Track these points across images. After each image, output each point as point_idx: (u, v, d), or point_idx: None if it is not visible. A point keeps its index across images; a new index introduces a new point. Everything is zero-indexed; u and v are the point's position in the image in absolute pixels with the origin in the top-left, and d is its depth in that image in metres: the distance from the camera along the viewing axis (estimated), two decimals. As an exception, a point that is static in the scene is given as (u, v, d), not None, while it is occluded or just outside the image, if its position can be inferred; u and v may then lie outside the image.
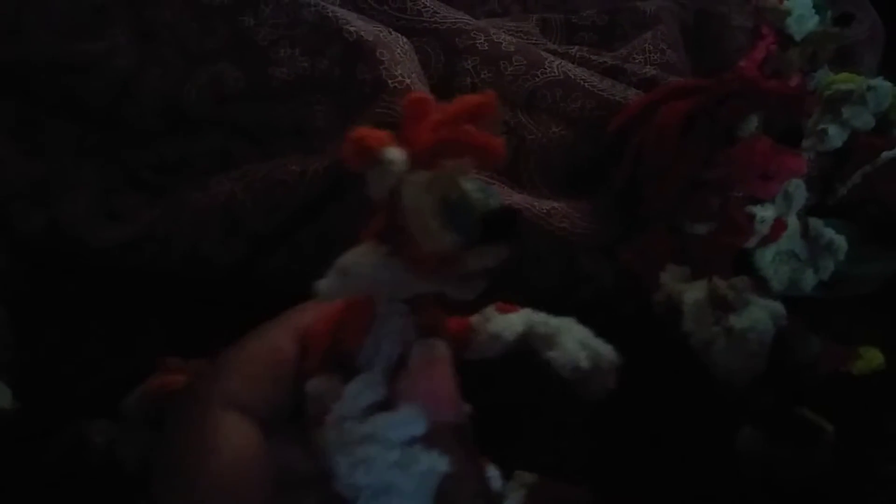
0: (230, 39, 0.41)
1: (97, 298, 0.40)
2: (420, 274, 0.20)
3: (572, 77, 0.44)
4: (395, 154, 0.19)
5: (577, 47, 0.50)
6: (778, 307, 0.34)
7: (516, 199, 0.40)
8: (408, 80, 0.39)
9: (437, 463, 0.21)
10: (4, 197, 0.38)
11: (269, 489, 0.21)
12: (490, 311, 0.26)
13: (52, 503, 0.35)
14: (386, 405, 0.21)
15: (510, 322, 0.26)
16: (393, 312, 0.22)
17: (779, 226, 0.38)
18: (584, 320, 0.26)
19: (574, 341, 0.25)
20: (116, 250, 0.38)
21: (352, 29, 0.40)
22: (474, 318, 0.26)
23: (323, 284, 0.20)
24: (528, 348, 0.26)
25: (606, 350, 0.25)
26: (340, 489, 0.20)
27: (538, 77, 0.44)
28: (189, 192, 0.38)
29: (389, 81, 0.39)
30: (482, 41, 0.45)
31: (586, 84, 0.44)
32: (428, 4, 0.46)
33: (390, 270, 0.20)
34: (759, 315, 0.33)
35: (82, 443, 0.35)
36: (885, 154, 0.40)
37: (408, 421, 0.21)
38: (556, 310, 0.28)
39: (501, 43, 0.45)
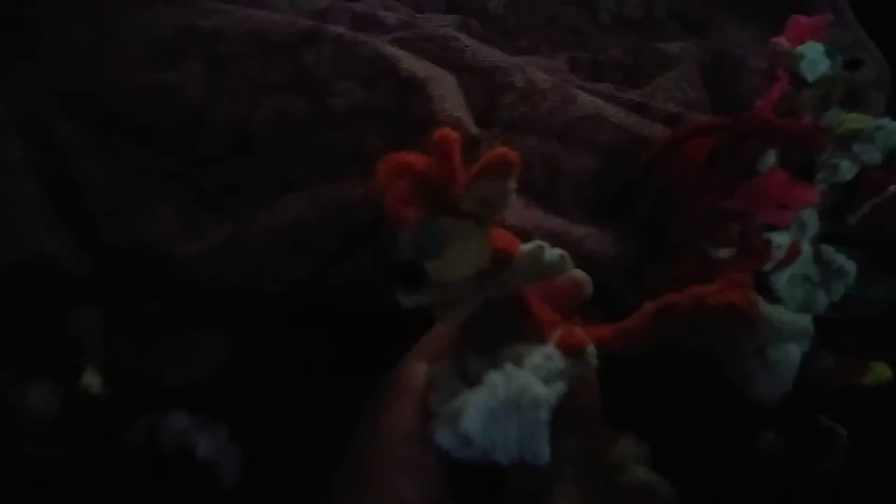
0: (292, 73, 0.45)
1: (168, 307, 0.43)
2: None
3: (602, 113, 0.48)
4: None
5: (604, 84, 0.54)
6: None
7: (553, 223, 0.44)
8: (457, 114, 0.43)
9: None
10: (92, 212, 0.42)
11: None
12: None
13: (127, 487, 0.38)
14: None
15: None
16: None
17: (794, 251, 0.42)
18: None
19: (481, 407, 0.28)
20: (192, 264, 0.41)
21: (404, 66, 0.44)
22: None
23: None
24: None
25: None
26: None
27: (571, 112, 0.48)
28: (257, 212, 0.42)
29: (439, 115, 0.43)
30: (519, 78, 0.49)
31: (614, 119, 0.48)
32: (468, 44, 0.50)
33: None
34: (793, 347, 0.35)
35: (156, 431, 0.39)
36: (892, 188, 0.44)
37: None
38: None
39: (537, 81, 0.49)
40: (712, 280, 0.42)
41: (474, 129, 0.44)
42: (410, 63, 0.45)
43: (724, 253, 0.42)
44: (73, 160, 0.43)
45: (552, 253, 0.33)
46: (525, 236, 0.41)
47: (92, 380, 0.36)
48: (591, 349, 0.31)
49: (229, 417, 0.41)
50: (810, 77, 0.46)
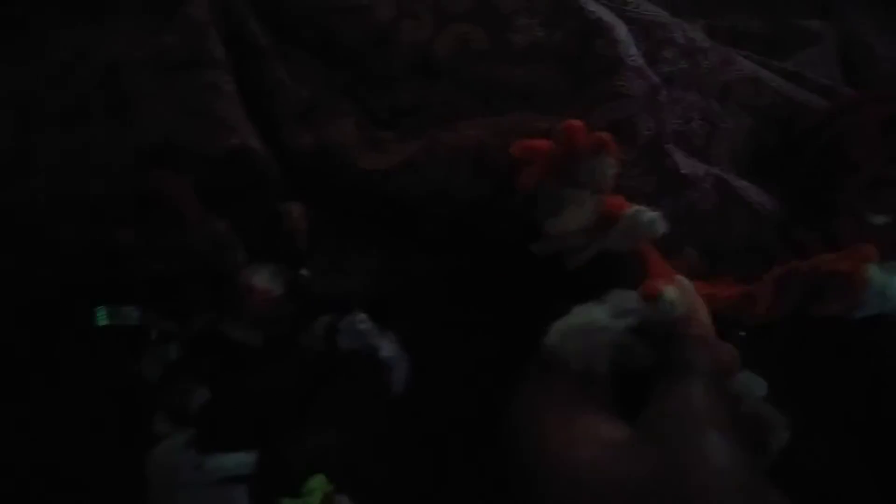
0: (477, 4, 0.46)
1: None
2: None
3: (761, 77, 0.50)
4: None
5: (747, 52, 0.55)
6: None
7: (714, 172, 0.45)
8: (640, 61, 0.44)
9: None
10: (280, 116, 0.43)
11: None
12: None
13: (306, 383, 0.40)
14: None
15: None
16: None
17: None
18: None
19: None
20: (377, 178, 0.43)
21: (591, 9, 0.46)
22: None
23: None
24: None
25: None
26: None
27: (731, 73, 0.50)
28: (442, 133, 0.43)
29: (626, 59, 0.44)
30: (679, 35, 0.50)
31: (774, 84, 0.50)
32: (630, -1, 0.51)
33: None
34: None
35: (334, 332, 0.40)
36: None
37: None
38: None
39: (696, 39, 0.51)
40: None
41: (655, 78, 0.45)
42: (595, 7, 0.46)
43: (880, 219, 0.44)
44: (266, 64, 0.44)
45: (648, 215, 0.38)
46: (695, 181, 0.44)
47: (306, 270, 0.38)
48: (667, 296, 0.36)
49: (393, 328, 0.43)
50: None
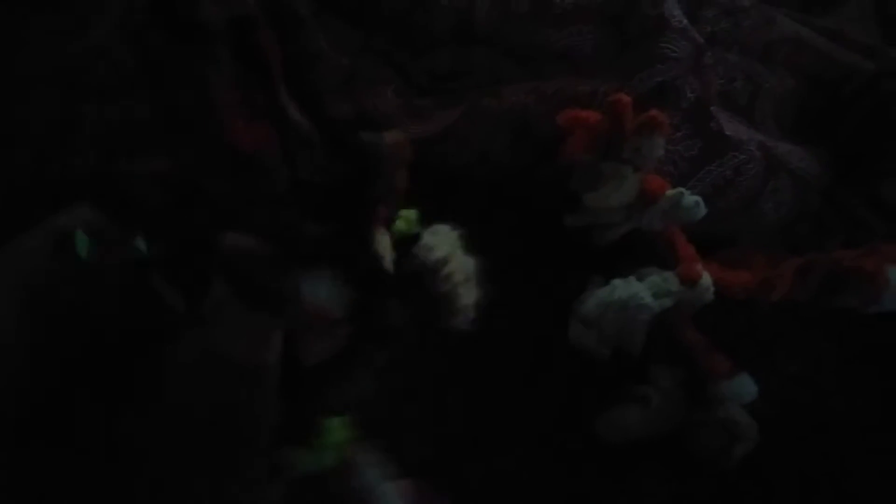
0: (516, -34, 0.45)
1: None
2: None
3: (803, 36, 0.49)
4: None
5: (786, 10, 0.54)
6: None
7: (758, 137, 0.45)
8: (685, 22, 0.44)
9: None
10: (321, 85, 0.42)
11: None
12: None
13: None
14: None
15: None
16: None
17: None
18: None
19: None
20: (420, 145, 0.42)
21: (634, -31, 0.44)
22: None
23: None
24: None
25: None
26: None
27: (772, 32, 0.49)
28: (483, 98, 0.43)
29: (671, 20, 0.43)
30: (720, -6, 0.49)
31: (815, 44, 0.49)
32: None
33: None
34: None
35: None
36: None
37: None
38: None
39: (737, -3, 0.50)
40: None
41: (700, 39, 0.44)
42: (637, -34, 0.45)
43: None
44: (307, 33, 0.43)
45: (691, 198, 0.39)
46: (740, 144, 0.43)
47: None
48: (704, 282, 0.38)
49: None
50: None
